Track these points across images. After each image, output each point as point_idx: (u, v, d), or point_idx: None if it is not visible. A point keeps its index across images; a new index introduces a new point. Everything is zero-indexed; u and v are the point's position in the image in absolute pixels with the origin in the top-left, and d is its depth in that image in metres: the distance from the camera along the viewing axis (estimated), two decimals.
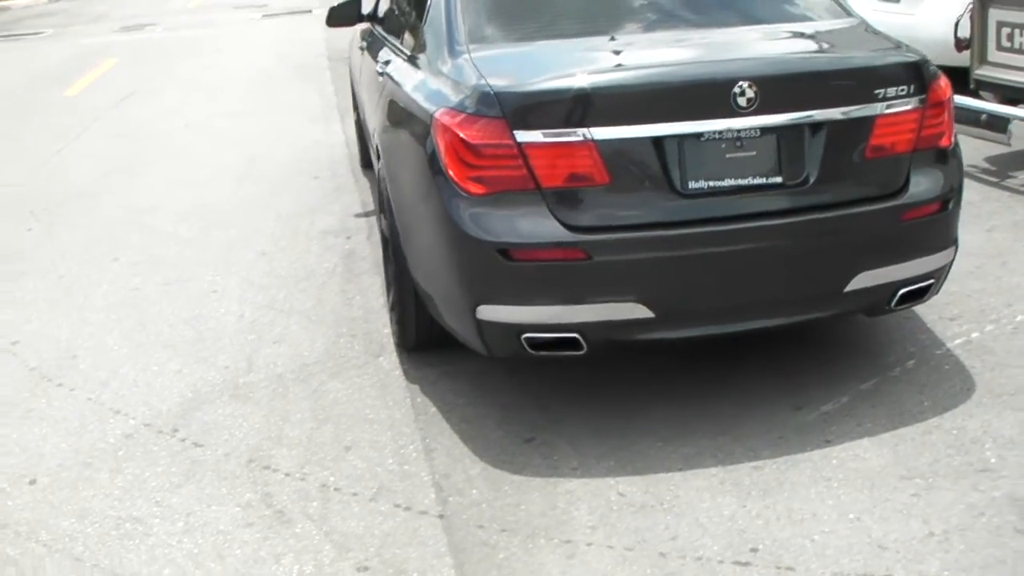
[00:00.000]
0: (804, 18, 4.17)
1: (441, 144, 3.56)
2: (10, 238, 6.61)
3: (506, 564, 3.10)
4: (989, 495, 3.27)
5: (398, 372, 4.40)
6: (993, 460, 3.46)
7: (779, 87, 3.52)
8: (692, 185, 3.50)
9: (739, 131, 3.50)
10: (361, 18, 6.36)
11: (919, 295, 3.82)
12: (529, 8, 4.20)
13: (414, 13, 4.68)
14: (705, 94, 3.48)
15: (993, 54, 6.34)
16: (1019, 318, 4.49)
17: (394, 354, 4.57)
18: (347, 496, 3.51)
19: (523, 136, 3.43)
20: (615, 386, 4.11)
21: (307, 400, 4.21)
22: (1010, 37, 6.15)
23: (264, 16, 19.42)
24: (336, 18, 6.35)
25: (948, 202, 3.78)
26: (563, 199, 3.46)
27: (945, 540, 3.06)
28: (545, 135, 3.42)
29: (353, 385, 4.32)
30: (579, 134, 3.42)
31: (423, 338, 4.36)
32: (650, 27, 4.03)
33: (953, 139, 3.86)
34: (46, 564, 3.24)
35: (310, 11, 19.79)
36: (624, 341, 3.60)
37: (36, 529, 3.43)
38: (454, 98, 3.62)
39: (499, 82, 3.53)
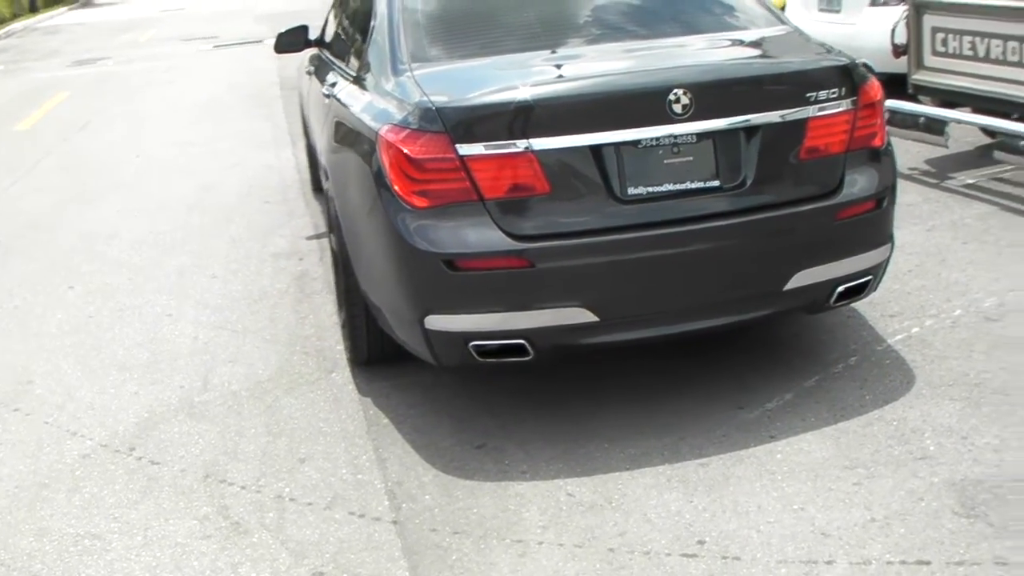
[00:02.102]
0: (738, 27, 4.28)
1: (386, 160, 3.63)
2: None
3: (459, 564, 3.16)
4: (928, 481, 3.36)
5: (351, 387, 4.45)
6: (932, 448, 3.56)
7: (713, 93, 3.62)
8: (631, 191, 3.59)
9: (676, 137, 3.59)
10: (309, 44, 6.42)
11: (857, 292, 3.92)
12: (469, 27, 4.29)
13: (359, 36, 4.76)
14: (641, 102, 3.58)
15: (929, 59, 6.50)
16: (957, 313, 4.61)
17: (347, 369, 4.62)
18: (302, 506, 3.55)
19: (465, 149, 3.50)
20: (563, 391, 4.18)
21: (261, 416, 4.25)
22: (944, 42, 6.32)
23: (215, 47, 19.40)
24: (284, 45, 6.42)
25: (882, 200, 3.89)
26: (506, 209, 3.54)
27: (886, 525, 3.15)
28: (486, 147, 3.50)
29: (306, 400, 4.37)
30: (519, 145, 3.50)
31: (375, 352, 4.41)
32: (589, 40, 4.13)
33: (886, 139, 3.97)
34: None
35: (260, 41, 19.78)
36: (570, 346, 3.67)
37: None
38: (398, 115, 3.70)
39: (440, 98, 3.61)
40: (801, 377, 4.16)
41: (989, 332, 4.41)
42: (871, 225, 3.89)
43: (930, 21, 6.41)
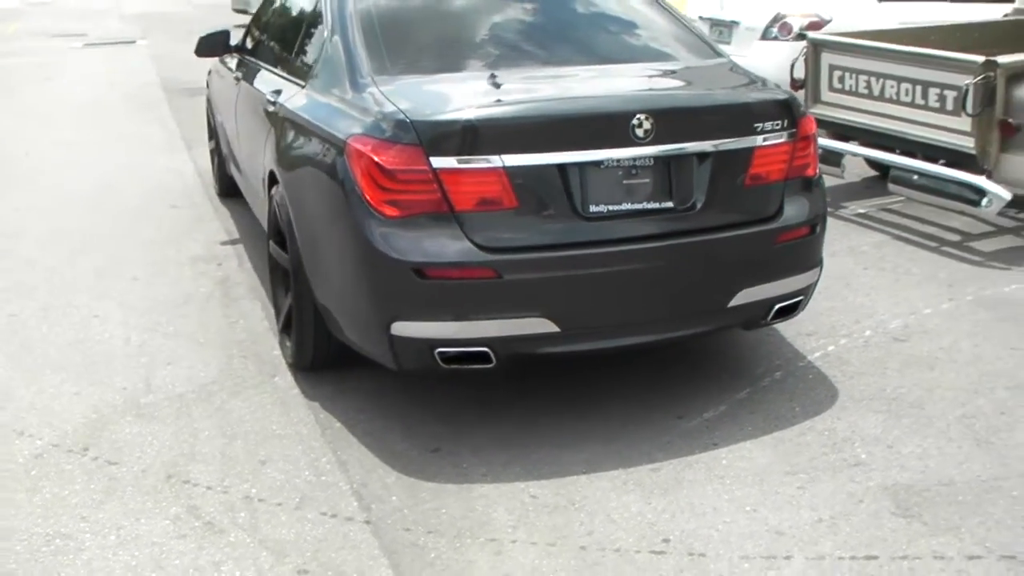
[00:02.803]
0: (683, 56, 4.55)
1: (356, 169, 3.76)
2: None
3: (438, 562, 3.30)
4: (864, 485, 3.66)
5: (296, 391, 4.53)
6: (863, 456, 3.87)
7: (672, 120, 3.87)
8: (592, 209, 3.80)
9: (635, 159, 3.83)
10: (228, 49, 6.48)
11: (791, 310, 4.22)
12: (427, 43, 4.46)
13: (305, 45, 4.87)
14: (606, 125, 3.80)
15: (826, 94, 6.92)
16: (867, 333, 4.97)
17: (288, 374, 4.70)
18: (272, 506, 3.64)
19: (438, 162, 3.66)
20: (506, 400, 4.36)
21: (212, 418, 4.31)
22: (841, 79, 6.74)
23: (86, 45, 18.92)
24: (205, 48, 6.46)
25: (815, 226, 4.20)
26: (475, 221, 3.71)
27: (833, 525, 3.42)
28: (459, 161, 3.67)
29: (254, 403, 4.43)
30: (490, 161, 3.67)
31: (320, 357, 4.51)
32: (545, 62, 4.34)
33: (817, 170, 4.28)
34: None
35: (133, 42, 19.40)
36: (531, 354, 3.85)
37: None
38: (366, 125, 3.83)
39: (413, 110, 3.76)
40: (732, 390, 4.43)
41: (899, 351, 4.77)
42: (806, 249, 4.20)
43: (828, 59, 6.83)
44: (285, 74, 5.09)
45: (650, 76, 4.36)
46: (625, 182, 3.83)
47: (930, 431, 4.04)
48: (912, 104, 6.25)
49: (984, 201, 5.80)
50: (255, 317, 5.39)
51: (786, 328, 4.98)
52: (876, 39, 6.76)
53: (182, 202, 7.74)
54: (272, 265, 4.98)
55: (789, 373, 4.59)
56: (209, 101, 7.83)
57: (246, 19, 22.10)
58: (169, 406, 4.43)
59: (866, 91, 6.55)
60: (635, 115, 3.77)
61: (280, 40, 5.50)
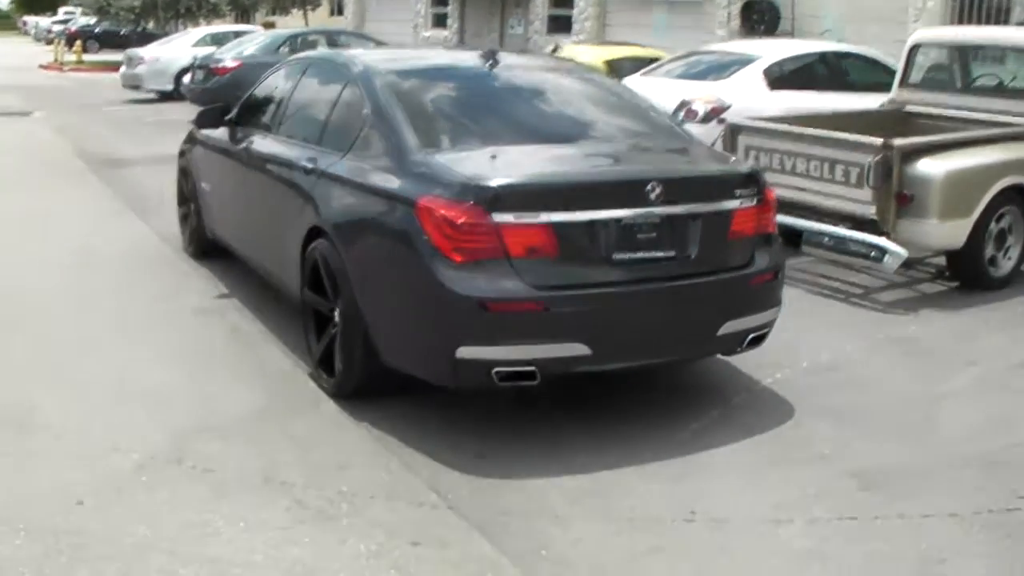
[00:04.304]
0: (665, 135, 5.61)
1: (427, 223, 4.65)
2: None
3: (520, 532, 4.15)
4: (832, 471, 4.69)
5: (344, 415, 5.29)
6: (826, 451, 4.90)
7: (675, 187, 4.89)
8: (616, 256, 4.78)
9: (647, 217, 4.82)
10: (225, 122, 7.28)
11: (760, 339, 5.26)
12: (461, 120, 5.40)
13: (337, 119, 5.75)
14: (627, 190, 4.80)
15: None
16: (804, 364, 6.04)
17: (330, 403, 5.44)
18: (366, 499, 4.41)
19: (498, 218, 4.59)
20: (523, 417, 5.23)
21: (280, 436, 5.03)
22: (756, 158, 7.91)
23: None
24: (207, 120, 7.26)
25: (778, 272, 5.27)
26: (525, 264, 4.63)
27: (816, 498, 4.42)
28: (515, 217, 4.60)
29: (312, 425, 5.18)
30: (539, 217, 4.62)
31: (366, 385, 5.31)
32: (564, 139, 5.33)
33: (776, 227, 5.36)
34: (147, 556, 3.94)
35: (29, 113, 19.68)
36: (567, 373, 4.78)
37: (113, 536, 4.04)
38: (435, 188, 4.73)
39: (477, 177, 4.69)
40: (708, 408, 5.42)
41: (833, 377, 5.87)
42: (771, 290, 5.25)
43: (744, 140, 8.02)
44: (314, 144, 5.91)
45: (652, 152, 5.40)
46: (639, 235, 4.82)
47: (872, 433, 5.11)
48: (821, 178, 7.45)
49: (886, 258, 6.99)
50: (277, 358, 6.13)
51: (738, 361, 5.99)
52: (782, 123, 7.96)
53: (159, 263, 8.36)
54: (306, 310, 5.76)
55: (750, 395, 5.61)
56: (184, 170, 8.50)
57: (134, 94, 22.63)
58: (237, 427, 5.14)
59: (779, 167, 7.72)
60: (649, 182, 4.78)
61: (302, 115, 6.34)
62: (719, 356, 5.58)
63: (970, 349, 6.42)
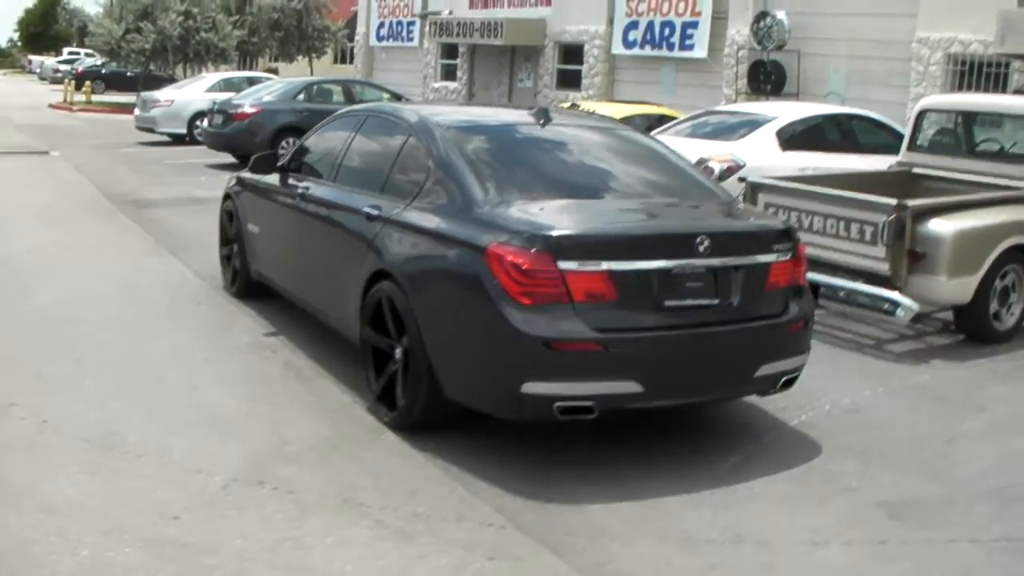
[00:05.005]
0: (707, 193, 6.10)
1: (497, 269, 5.10)
2: None
3: (587, 550, 4.55)
4: (862, 501, 5.13)
5: (406, 445, 5.70)
6: (854, 484, 5.35)
7: (721, 240, 5.36)
8: (666, 302, 5.24)
9: (695, 267, 5.29)
10: (275, 168, 7.77)
11: (792, 382, 5.72)
12: (520, 174, 5.87)
13: (399, 170, 6.22)
14: (678, 242, 5.27)
15: None
16: (827, 407, 6.50)
17: (391, 434, 5.85)
18: (439, 521, 4.82)
19: (563, 265, 5.05)
20: (568, 451, 5.65)
21: (350, 463, 5.44)
22: (776, 214, 8.40)
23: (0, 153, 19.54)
24: (261, 166, 7.76)
25: (808, 321, 5.74)
26: (586, 308, 5.09)
27: (850, 524, 4.87)
28: (579, 265, 5.06)
29: (377, 453, 5.59)
30: (600, 265, 5.09)
31: (427, 417, 5.73)
32: (616, 194, 5.82)
33: (807, 280, 5.84)
34: (248, 566, 4.34)
35: (47, 152, 20.13)
36: (620, 408, 5.22)
37: (214, 548, 4.44)
38: (504, 236, 5.18)
39: (545, 227, 5.15)
40: (743, 445, 5.86)
41: (854, 420, 6.32)
42: (802, 337, 5.72)
43: (764, 198, 8.52)
44: (376, 192, 6.37)
45: (699, 207, 5.88)
46: (688, 284, 5.29)
47: (896, 468, 5.55)
48: (836, 235, 7.95)
49: (899, 311, 7.48)
50: (334, 392, 6.55)
51: (764, 404, 6.45)
52: (798, 183, 8.48)
53: (204, 299, 8.80)
54: (365, 347, 6.19)
55: (780, 434, 6.06)
56: (229, 213, 8.94)
57: (146, 136, 23.09)
58: (309, 454, 5.54)
59: (797, 224, 8.20)
60: (698, 236, 5.26)
61: (362, 164, 6.81)
62: (750, 398, 6.01)
63: (980, 396, 6.89)
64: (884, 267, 7.63)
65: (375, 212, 6.20)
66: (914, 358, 7.77)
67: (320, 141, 7.69)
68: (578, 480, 5.30)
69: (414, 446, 5.66)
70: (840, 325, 8.55)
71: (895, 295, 7.53)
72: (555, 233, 5.10)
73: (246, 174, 8.55)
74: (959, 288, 7.71)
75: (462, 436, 5.73)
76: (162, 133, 23.10)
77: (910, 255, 7.55)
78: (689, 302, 5.29)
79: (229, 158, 19.57)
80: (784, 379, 5.61)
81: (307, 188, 7.29)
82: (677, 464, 5.53)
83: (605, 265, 5.08)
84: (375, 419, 6.04)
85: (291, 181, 7.63)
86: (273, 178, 7.96)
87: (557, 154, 6.21)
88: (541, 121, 6.37)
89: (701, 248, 5.24)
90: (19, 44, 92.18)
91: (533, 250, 5.05)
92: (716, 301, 5.36)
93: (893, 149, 10.45)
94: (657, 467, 5.48)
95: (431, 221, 5.73)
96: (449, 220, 5.62)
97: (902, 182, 9.23)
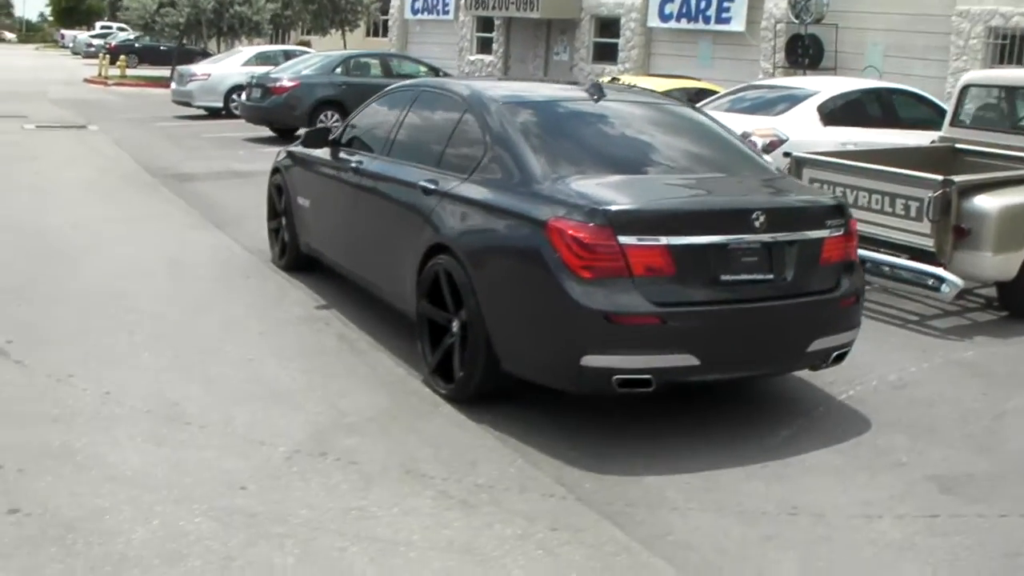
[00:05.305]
0: (761, 168, 6.17)
1: (558, 242, 5.19)
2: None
3: (646, 521, 4.67)
4: (912, 476, 5.21)
5: (463, 417, 5.81)
6: (904, 459, 5.43)
7: (776, 216, 5.44)
8: (723, 277, 5.33)
9: (750, 243, 5.37)
10: (326, 143, 7.87)
11: (842, 357, 5.81)
12: (577, 151, 5.94)
13: (455, 145, 6.31)
14: (735, 218, 5.35)
15: None
16: (874, 383, 6.57)
17: (448, 406, 5.96)
18: (500, 492, 4.94)
19: (623, 239, 5.14)
20: (621, 424, 5.77)
21: (410, 434, 5.56)
22: (820, 188, 8.45)
23: (39, 127, 19.73)
24: (312, 141, 7.88)
25: (859, 296, 5.81)
26: (645, 282, 5.17)
27: (902, 499, 4.95)
28: (638, 239, 5.15)
29: (436, 425, 5.71)
30: (659, 240, 5.17)
31: (484, 389, 5.84)
32: (672, 170, 5.90)
33: (857, 255, 5.90)
34: (317, 535, 4.46)
35: (85, 127, 20.32)
36: (677, 381, 5.32)
37: (282, 517, 4.54)
38: (565, 211, 5.27)
39: (605, 201, 5.23)
40: (793, 418, 5.95)
41: (901, 395, 6.39)
42: (853, 312, 5.79)
43: (808, 173, 8.57)
44: (432, 167, 6.46)
45: (752, 183, 5.96)
46: (743, 259, 5.37)
47: (945, 444, 5.63)
48: (882, 211, 7.99)
49: (943, 287, 7.53)
50: (388, 364, 6.67)
51: (812, 379, 6.53)
52: (844, 158, 8.51)
53: (253, 273, 8.92)
54: (421, 321, 6.30)
55: (829, 408, 6.14)
56: (278, 187, 9.06)
57: (183, 110, 23.25)
58: (369, 425, 5.67)
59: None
60: (754, 212, 5.33)
61: (416, 139, 6.90)
62: (799, 373, 6.09)
63: None
64: (929, 243, 7.68)
65: (432, 186, 6.29)
66: (958, 334, 7.83)
67: (371, 116, 7.79)
68: (633, 452, 5.40)
69: (471, 418, 5.77)
70: (884, 300, 8.61)
71: (940, 271, 7.58)
72: (615, 208, 5.19)
73: (296, 148, 8.66)
74: (1004, 264, 7.76)
75: (516, 408, 5.84)
76: (198, 107, 23.26)
77: (955, 231, 7.59)
78: (744, 277, 5.37)
79: (266, 132, 19.71)
80: (835, 354, 5.69)
81: (360, 162, 7.38)
82: (730, 437, 5.62)
83: (664, 240, 5.16)
84: (431, 391, 6.14)
85: (343, 155, 7.72)
86: (324, 152, 8.05)
87: (611, 129, 6.28)
88: (595, 97, 6.43)
89: (757, 224, 5.32)
90: (50, 19, 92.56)
91: (593, 224, 5.14)
92: (771, 276, 5.44)
93: (934, 124, 10.47)
94: (709, 440, 5.57)
95: (489, 195, 5.82)
96: (508, 194, 5.70)
97: (944, 157, 9.25)
